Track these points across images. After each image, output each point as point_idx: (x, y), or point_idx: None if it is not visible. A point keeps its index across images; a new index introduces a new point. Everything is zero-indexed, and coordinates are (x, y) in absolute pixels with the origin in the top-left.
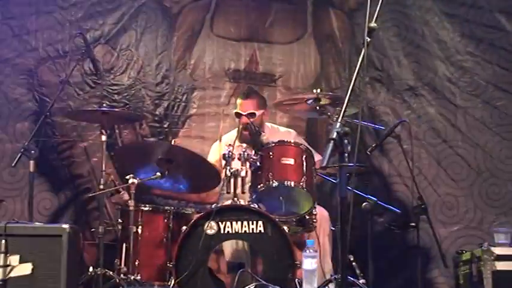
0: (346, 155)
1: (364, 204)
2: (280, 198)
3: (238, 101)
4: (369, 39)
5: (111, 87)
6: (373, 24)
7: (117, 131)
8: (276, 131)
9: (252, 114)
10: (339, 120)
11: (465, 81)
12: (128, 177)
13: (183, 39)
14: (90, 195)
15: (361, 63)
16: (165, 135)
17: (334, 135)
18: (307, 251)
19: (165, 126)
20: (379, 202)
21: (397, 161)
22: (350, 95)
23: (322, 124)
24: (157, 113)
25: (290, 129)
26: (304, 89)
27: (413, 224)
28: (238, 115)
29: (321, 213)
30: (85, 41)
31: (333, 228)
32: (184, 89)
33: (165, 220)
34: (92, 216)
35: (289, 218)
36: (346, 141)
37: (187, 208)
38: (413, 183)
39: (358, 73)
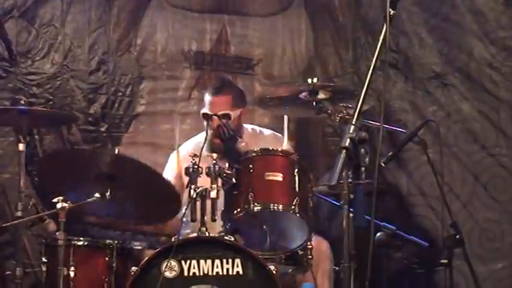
0: (363, 169)
1: (378, 234)
2: (264, 227)
3: (207, 97)
4: (392, 12)
5: (28, 77)
6: None
7: (36, 136)
8: (257, 136)
9: (226, 116)
10: (353, 122)
11: (511, 65)
12: (55, 200)
13: (126, 11)
14: (4, 225)
15: (381, 45)
16: (102, 141)
17: (347, 142)
18: None
19: (103, 129)
20: (398, 231)
21: (418, 175)
22: (367, 89)
23: (317, 126)
24: (91, 111)
25: (277, 133)
26: (292, 78)
27: (444, 260)
28: (206, 117)
29: (319, 247)
30: None
31: (337, 268)
32: (128, 79)
33: (107, 258)
34: (2, 254)
35: (276, 254)
36: (363, 150)
37: (136, 242)
38: (444, 205)
39: (377, 59)
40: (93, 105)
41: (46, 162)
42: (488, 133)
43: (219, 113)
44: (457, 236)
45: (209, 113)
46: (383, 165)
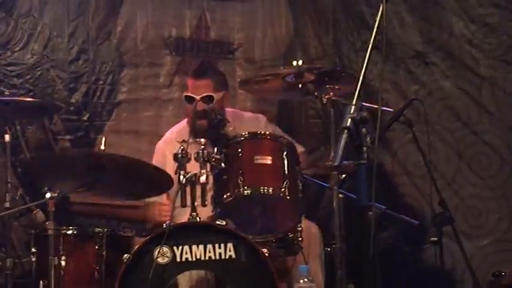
0: (364, 148)
1: (369, 214)
2: (254, 211)
3: (190, 80)
4: None
5: (7, 68)
6: None
7: (18, 127)
8: (239, 118)
9: (209, 98)
10: (354, 102)
11: (491, 42)
12: (44, 190)
13: None
14: None
15: (378, 24)
16: (85, 130)
17: (349, 122)
18: (301, 281)
19: (85, 118)
20: (388, 211)
21: (403, 155)
22: (366, 69)
23: (299, 108)
24: (73, 100)
25: (258, 114)
26: (273, 61)
27: (434, 238)
28: (189, 99)
29: (309, 229)
30: None
31: (328, 249)
32: (109, 67)
33: (97, 247)
34: None
35: (267, 237)
36: (364, 130)
37: (124, 230)
38: (432, 183)
39: (375, 39)
40: (75, 94)
41: (31, 164)
42: (471, 110)
43: (202, 95)
44: (446, 213)
45: (192, 95)
46: (371, 145)
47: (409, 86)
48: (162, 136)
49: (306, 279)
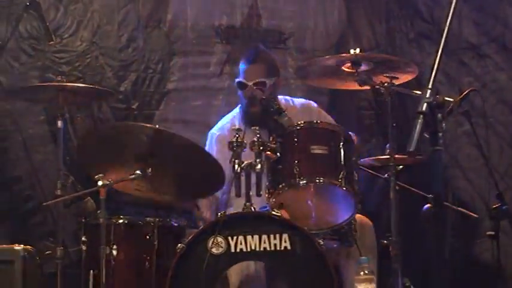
0: (440, 134)
1: (425, 207)
2: (309, 202)
3: (242, 66)
4: None
5: (56, 55)
6: None
7: (67, 115)
8: (291, 105)
9: (262, 84)
10: (429, 86)
11: None
12: (96, 177)
13: None
14: (47, 203)
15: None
16: (133, 119)
17: (424, 107)
18: (361, 273)
19: (134, 107)
20: (447, 203)
21: (455, 148)
22: (441, 55)
23: (351, 98)
24: (122, 89)
25: (310, 101)
26: (325, 51)
27: (491, 232)
28: (242, 86)
29: (361, 222)
30: None
31: (385, 241)
32: (159, 56)
33: (148, 237)
34: (35, 235)
35: (322, 228)
36: (440, 115)
37: (176, 219)
38: (490, 177)
39: (450, 24)
40: (124, 82)
41: (85, 140)
42: None
43: (255, 81)
44: (504, 207)
45: (244, 81)
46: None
47: (462, 78)
48: (211, 126)
49: (366, 271)
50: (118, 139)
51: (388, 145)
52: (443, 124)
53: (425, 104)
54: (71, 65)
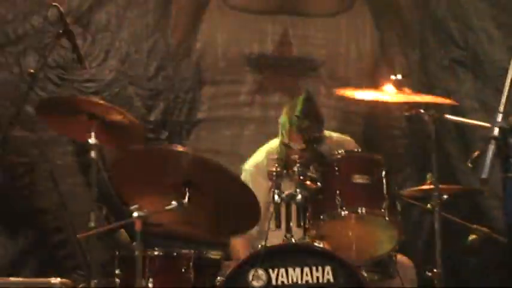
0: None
1: (471, 238)
2: (350, 233)
3: (295, 120)
4: None
5: (85, 84)
6: None
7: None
8: (328, 138)
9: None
10: (500, 110)
11: None
12: (132, 208)
13: (184, 14)
14: (82, 235)
15: None
16: None
17: (496, 132)
18: None
19: (163, 137)
20: (493, 234)
21: (492, 177)
22: None
23: (385, 128)
24: (151, 118)
25: (347, 137)
26: (358, 79)
27: None
28: (289, 148)
29: (401, 260)
30: (61, 16)
31: (429, 274)
32: (189, 85)
33: (183, 269)
34: (64, 267)
35: (363, 261)
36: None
37: (212, 252)
38: None
39: None
40: (153, 111)
41: (121, 163)
42: None
43: (302, 147)
44: None
45: (292, 146)
46: (470, 165)
47: (497, 105)
48: (243, 156)
49: None
50: (154, 165)
51: (429, 174)
52: None
53: (496, 129)
54: (100, 94)
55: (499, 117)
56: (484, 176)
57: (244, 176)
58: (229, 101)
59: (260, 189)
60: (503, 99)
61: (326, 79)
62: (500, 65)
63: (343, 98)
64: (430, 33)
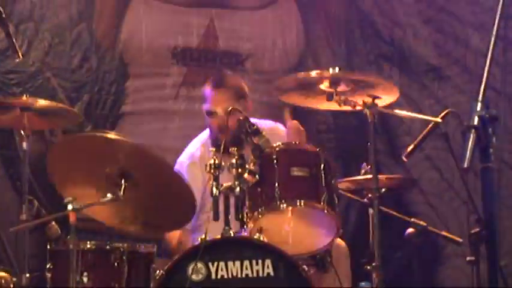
0: (491, 150)
1: (408, 231)
2: (287, 226)
3: (208, 91)
4: None
5: (7, 76)
6: None
7: (17, 138)
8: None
9: (235, 112)
10: (479, 99)
11: (509, 56)
12: (66, 200)
13: (109, 5)
14: (13, 229)
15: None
16: None
17: (476, 121)
18: None
19: (87, 130)
20: (430, 228)
21: (417, 172)
22: (490, 66)
23: (310, 122)
24: (74, 111)
25: (278, 124)
26: (283, 72)
27: (471, 258)
28: (211, 114)
29: (337, 246)
30: None
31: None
32: (113, 77)
33: (116, 263)
34: None
35: (302, 254)
36: (490, 129)
37: (142, 245)
38: (470, 200)
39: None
40: (77, 104)
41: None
42: None
43: (224, 108)
44: (483, 232)
45: (213, 109)
46: (405, 159)
47: (423, 100)
48: (167, 149)
49: None
50: (87, 153)
51: (363, 165)
52: (494, 139)
53: (476, 118)
54: (22, 86)
55: (478, 106)
56: (465, 165)
57: (180, 169)
58: (154, 94)
59: (196, 181)
60: (482, 88)
61: (252, 73)
62: (425, 61)
63: (269, 92)
64: (357, 28)
